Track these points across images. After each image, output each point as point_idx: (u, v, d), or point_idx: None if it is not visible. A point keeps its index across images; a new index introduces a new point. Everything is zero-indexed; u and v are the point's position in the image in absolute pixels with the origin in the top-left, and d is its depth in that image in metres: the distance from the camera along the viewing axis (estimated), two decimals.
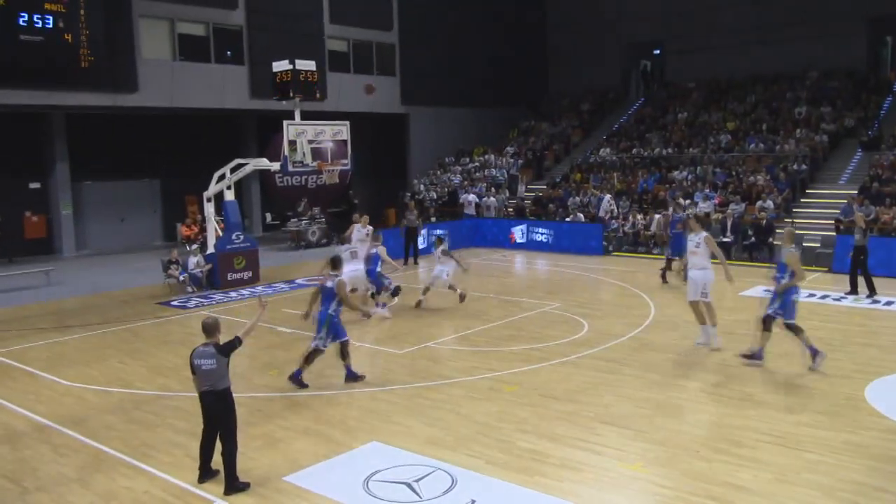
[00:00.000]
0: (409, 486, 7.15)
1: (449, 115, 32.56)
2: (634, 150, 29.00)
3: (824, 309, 14.87)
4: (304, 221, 25.88)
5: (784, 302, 10.58)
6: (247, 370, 11.36)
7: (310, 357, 10.33)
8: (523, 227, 24.74)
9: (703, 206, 22.64)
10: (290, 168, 17.75)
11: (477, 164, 31.15)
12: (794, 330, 10.60)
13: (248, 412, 9.24)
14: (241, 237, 18.92)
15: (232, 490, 7.04)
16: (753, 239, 20.89)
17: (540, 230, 24.36)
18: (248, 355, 12.10)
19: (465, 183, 29.38)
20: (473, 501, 6.81)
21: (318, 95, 19.18)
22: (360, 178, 30.05)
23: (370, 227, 16.30)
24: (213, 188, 18.62)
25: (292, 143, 17.43)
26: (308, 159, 17.67)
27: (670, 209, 20.91)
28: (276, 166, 18.43)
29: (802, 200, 23.26)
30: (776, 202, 22.43)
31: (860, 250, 15.70)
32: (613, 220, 24.03)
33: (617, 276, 18.80)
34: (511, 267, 21.97)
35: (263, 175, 27.14)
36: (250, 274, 18.78)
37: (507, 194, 28.25)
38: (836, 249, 19.03)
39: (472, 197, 27.17)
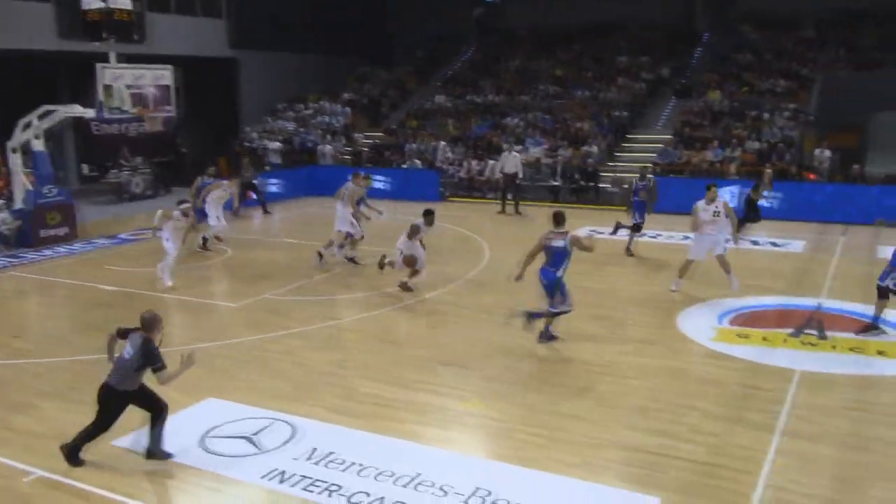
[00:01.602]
0: (247, 439, 7.02)
1: (282, 61, 31.37)
2: (468, 97, 29.40)
3: (645, 247, 15.95)
4: (126, 172, 24.26)
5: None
6: (68, 332, 10.63)
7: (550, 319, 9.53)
8: None
9: (534, 152, 23.45)
10: (107, 115, 16.49)
11: (311, 111, 30.43)
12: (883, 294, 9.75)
13: (72, 377, 8.69)
14: (54, 191, 17.44)
15: (70, 459, 6.56)
16: (581, 182, 21.98)
17: (378, 177, 24.26)
18: (69, 316, 11.33)
19: (302, 130, 28.67)
20: (314, 449, 6.80)
21: (135, 37, 17.82)
22: (188, 126, 28.47)
23: (225, 181, 16.16)
24: (18, 137, 16.96)
25: (108, 89, 16.17)
26: (127, 106, 16.49)
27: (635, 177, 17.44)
28: (90, 113, 17.04)
29: (624, 145, 24.63)
30: (600, 147, 23.62)
31: (753, 204, 16.63)
32: (449, 167, 24.40)
33: (454, 221, 19.14)
34: None
35: (79, 124, 25.02)
36: (66, 230, 17.39)
37: (344, 141, 27.87)
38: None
39: (328, 148, 26.54)
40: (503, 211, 20.47)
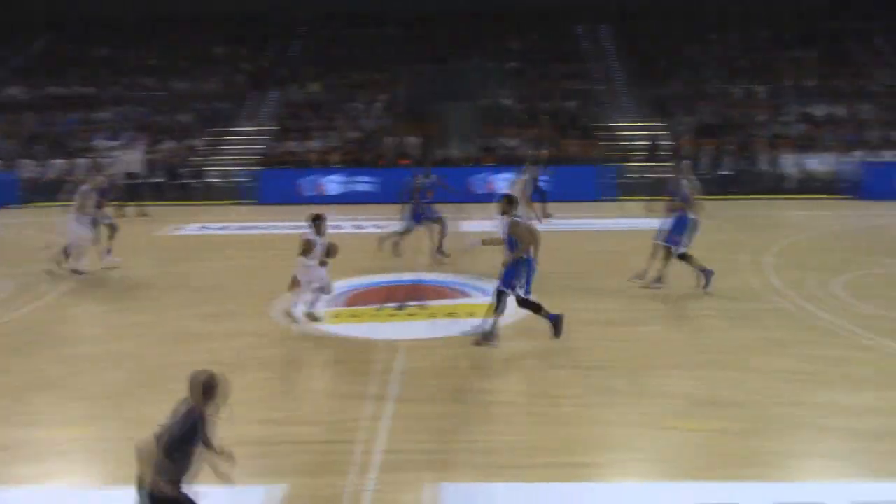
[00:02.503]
0: None
1: None
2: (49, 88, 26.32)
3: (248, 239, 15.90)
4: None
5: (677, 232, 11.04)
6: None
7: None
8: None
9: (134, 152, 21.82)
10: None
11: None
12: (668, 255, 11.17)
13: None
14: None
15: None
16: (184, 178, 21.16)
17: None
18: None
19: None
20: None
21: None
22: None
23: None
24: None
25: None
26: None
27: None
28: None
29: (228, 137, 24.25)
30: (205, 140, 22.97)
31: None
32: (31, 166, 21.66)
33: (42, 228, 17.01)
34: None
35: None
36: None
37: None
38: (261, 182, 20.51)
39: None
40: (124, 214, 18.72)
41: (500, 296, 8.87)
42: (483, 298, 11.11)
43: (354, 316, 10.31)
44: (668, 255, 11.30)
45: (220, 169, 22.00)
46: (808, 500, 5.63)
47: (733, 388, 7.74)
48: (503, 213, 9.03)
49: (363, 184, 20.70)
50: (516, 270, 8.78)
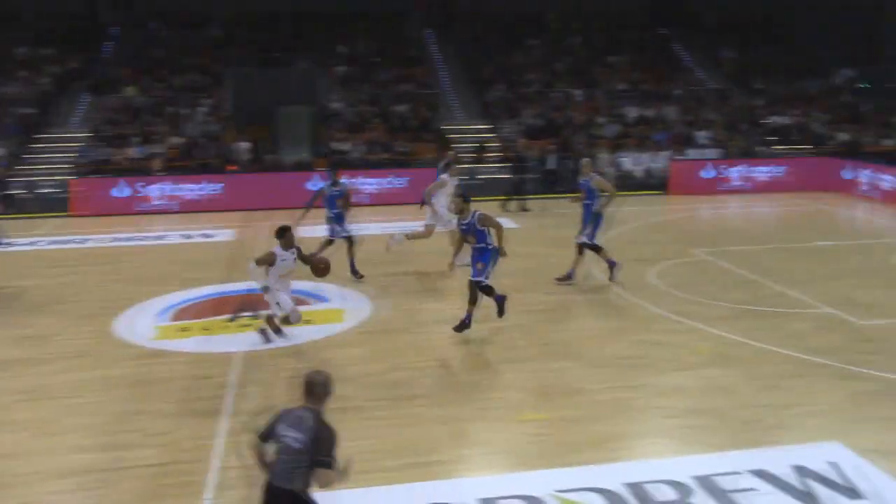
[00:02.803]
0: None
1: None
2: None
3: (62, 254, 14.78)
4: None
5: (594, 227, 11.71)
6: None
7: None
8: None
9: None
10: None
11: None
12: (595, 249, 11.86)
13: None
14: None
15: None
16: None
17: None
18: None
19: None
20: None
21: None
22: None
23: None
24: None
25: None
26: None
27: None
28: None
29: (34, 146, 22.32)
30: (7, 148, 21.05)
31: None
32: None
33: None
34: None
35: None
36: None
37: None
38: (73, 192, 19.08)
39: None
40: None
41: (475, 286, 9.24)
42: (320, 305, 10.97)
43: (185, 330, 9.81)
44: (583, 250, 11.90)
45: (25, 179, 20.18)
46: (644, 477, 6.01)
47: (568, 377, 8.13)
48: (460, 212, 9.37)
49: (189, 192, 19.77)
50: (490, 258, 9.15)
